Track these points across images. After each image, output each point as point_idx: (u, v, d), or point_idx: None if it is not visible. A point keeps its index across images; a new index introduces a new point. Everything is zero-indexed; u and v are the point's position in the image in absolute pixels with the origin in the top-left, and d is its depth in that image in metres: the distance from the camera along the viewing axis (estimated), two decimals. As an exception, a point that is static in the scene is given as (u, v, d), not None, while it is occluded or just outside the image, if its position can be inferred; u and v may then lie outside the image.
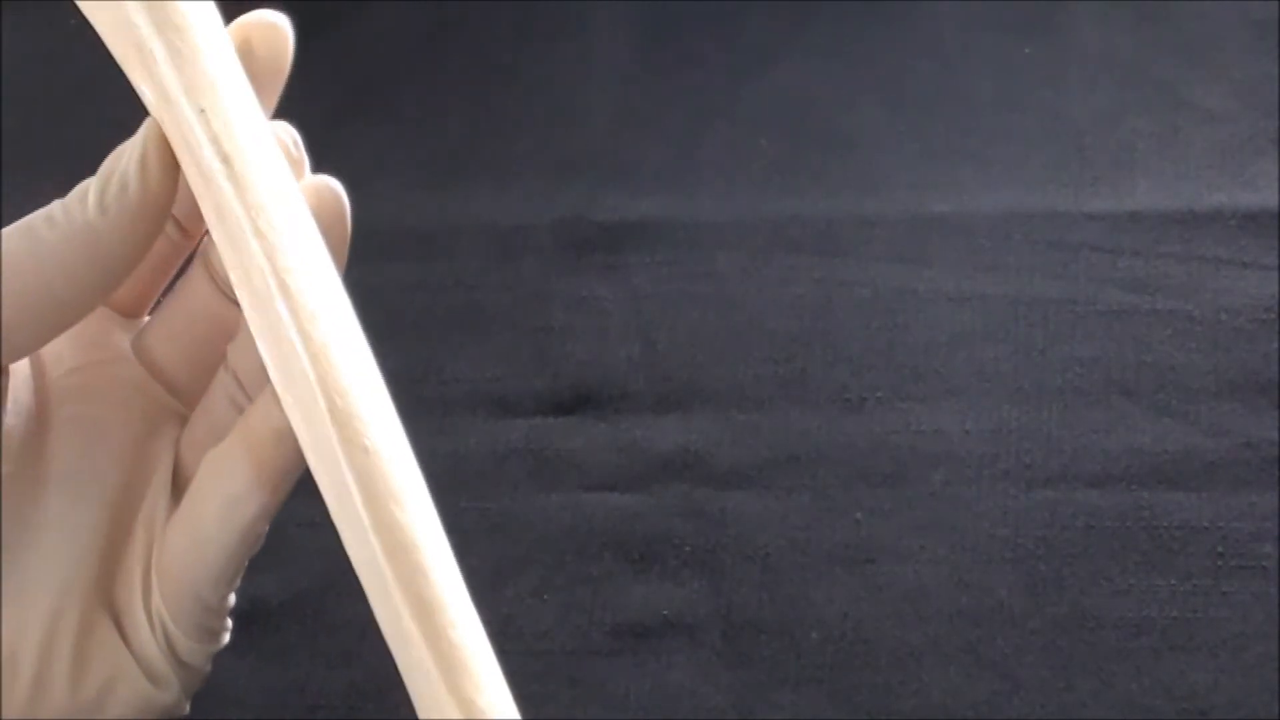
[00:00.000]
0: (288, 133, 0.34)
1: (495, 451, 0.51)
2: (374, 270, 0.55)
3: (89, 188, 0.32)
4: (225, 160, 0.32)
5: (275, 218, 0.32)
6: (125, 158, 0.32)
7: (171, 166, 0.32)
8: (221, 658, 0.48)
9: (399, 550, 0.30)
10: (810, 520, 0.49)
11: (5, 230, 0.32)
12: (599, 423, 0.52)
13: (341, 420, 0.30)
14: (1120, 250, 0.54)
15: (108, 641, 0.34)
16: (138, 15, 0.32)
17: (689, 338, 0.53)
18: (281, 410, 0.32)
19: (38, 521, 0.34)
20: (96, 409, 0.35)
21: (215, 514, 0.34)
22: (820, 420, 0.51)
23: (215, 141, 0.32)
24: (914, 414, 0.51)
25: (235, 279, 0.31)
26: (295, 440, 0.32)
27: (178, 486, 0.35)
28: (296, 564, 0.49)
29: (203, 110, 0.32)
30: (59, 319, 0.33)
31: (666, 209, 0.57)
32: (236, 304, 0.34)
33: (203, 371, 0.36)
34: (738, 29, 0.62)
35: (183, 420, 0.36)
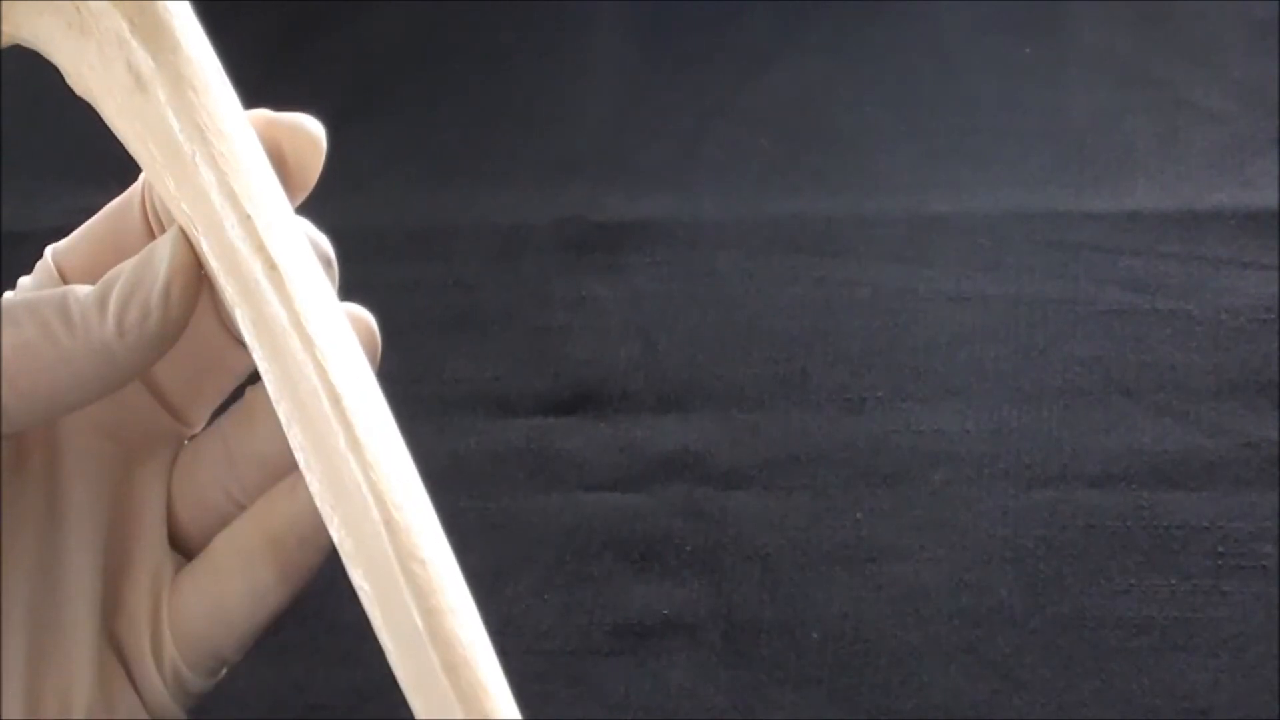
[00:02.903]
0: (323, 242, 0.34)
1: (495, 451, 0.51)
2: (374, 270, 0.55)
3: (109, 298, 0.31)
4: (271, 268, 0.31)
5: (322, 331, 0.31)
6: (148, 282, 0.31)
7: (194, 294, 0.32)
8: (221, 658, 0.48)
9: (458, 667, 0.30)
10: (810, 520, 0.49)
11: (14, 306, 0.32)
12: (599, 423, 0.52)
13: (398, 537, 0.30)
14: (1120, 250, 0.54)
15: (125, 693, 0.34)
16: (174, 120, 0.32)
17: (689, 338, 0.53)
18: (306, 514, 0.32)
19: (57, 573, 0.33)
20: (97, 434, 0.35)
21: (240, 600, 0.34)
22: (820, 420, 0.51)
23: (261, 250, 0.31)
24: (914, 414, 0.51)
25: (276, 386, 0.31)
26: (320, 542, 0.33)
27: (170, 526, 0.35)
28: (296, 564, 0.49)
29: (248, 217, 0.31)
30: (59, 410, 0.32)
31: (666, 209, 0.57)
32: (242, 345, 0.34)
33: (202, 397, 0.36)
34: (738, 29, 0.62)
35: (177, 441, 0.36)
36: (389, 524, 0.30)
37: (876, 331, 0.53)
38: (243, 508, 0.35)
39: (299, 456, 0.31)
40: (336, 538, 0.31)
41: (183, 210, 0.32)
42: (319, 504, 0.31)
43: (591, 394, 0.52)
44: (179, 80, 0.32)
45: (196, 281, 0.32)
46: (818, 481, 0.50)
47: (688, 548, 0.49)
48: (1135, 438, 0.49)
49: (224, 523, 0.35)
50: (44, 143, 0.61)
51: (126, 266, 0.32)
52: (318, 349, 0.31)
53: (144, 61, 0.32)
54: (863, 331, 0.53)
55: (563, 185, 0.58)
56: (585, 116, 0.60)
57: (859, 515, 0.49)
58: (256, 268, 0.31)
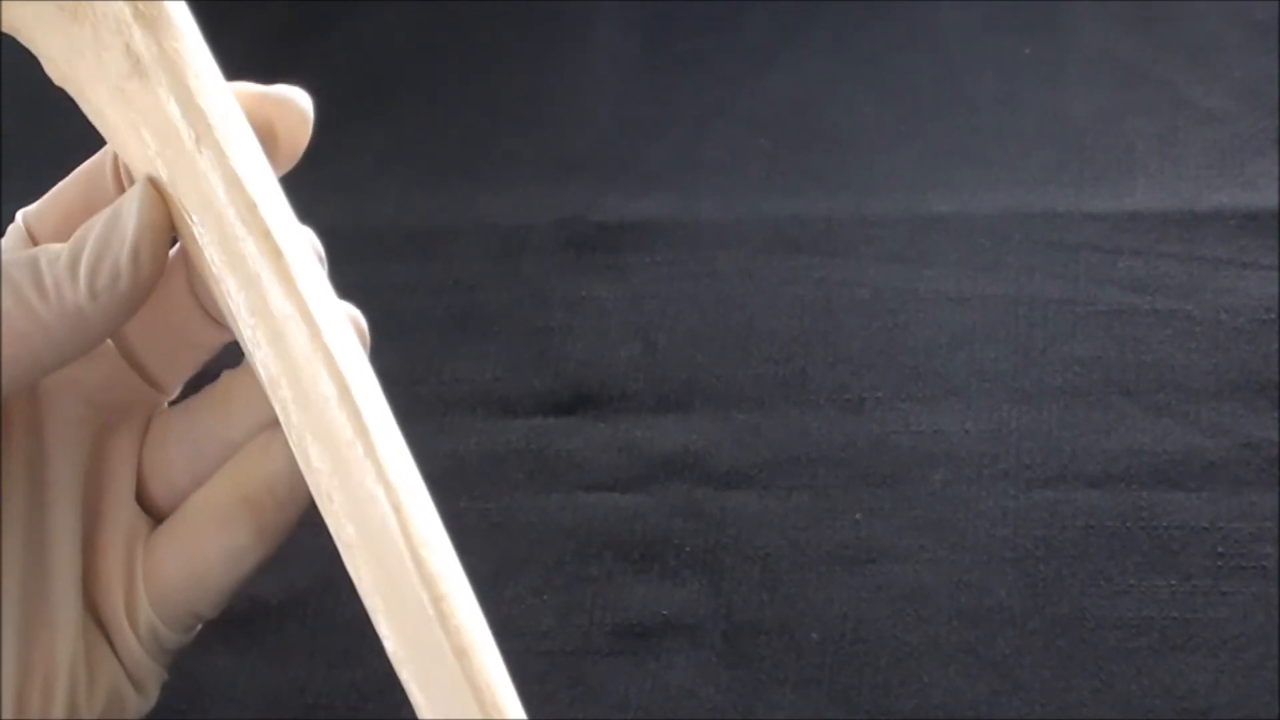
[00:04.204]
0: (312, 237, 0.34)
1: (495, 451, 0.51)
2: (374, 270, 0.55)
3: (80, 262, 0.31)
4: (277, 255, 0.31)
5: (327, 320, 0.31)
6: (117, 244, 0.31)
7: (163, 251, 0.32)
8: (221, 658, 0.48)
9: (468, 652, 0.30)
10: (810, 520, 0.49)
11: None
12: (599, 423, 0.52)
13: (406, 524, 0.30)
14: (1120, 250, 0.54)
15: (107, 658, 0.34)
16: (175, 106, 0.32)
17: (689, 338, 0.53)
18: (282, 474, 0.33)
19: (43, 540, 0.33)
20: (75, 399, 0.35)
21: (217, 560, 0.34)
22: (820, 420, 0.51)
23: (267, 237, 0.31)
24: (914, 414, 0.51)
25: (275, 373, 0.31)
26: (296, 501, 0.33)
27: (140, 491, 0.35)
28: (296, 564, 0.49)
29: (254, 204, 0.31)
30: (36, 375, 0.32)
31: (666, 209, 0.57)
32: (218, 323, 0.34)
33: (175, 367, 0.36)
34: (738, 29, 0.62)
35: (151, 407, 0.36)
36: (398, 510, 0.30)
37: (876, 331, 0.53)
38: None
39: (297, 445, 0.31)
40: (334, 524, 0.31)
41: (177, 198, 0.32)
42: (319, 496, 0.31)
43: (591, 394, 0.52)
44: (180, 66, 0.32)
45: (165, 238, 0.32)
46: (818, 481, 0.50)
47: (688, 548, 0.49)
48: (1135, 438, 0.49)
49: None
50: (44, 143, 0.61)
51: (95, 225, 0.32)
52: (324, 337, 0.31)
53: (145, 47, 0.32)
54: (863, 331, 0.53)
55: (563, 185, 0.58)
56: (585, 116, 0.60)
57: (859, 515, 0.49)
58: (261, 255, 0.31)
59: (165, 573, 0.34)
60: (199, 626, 0.35)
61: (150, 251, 0.32)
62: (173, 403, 0.36)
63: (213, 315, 0.35)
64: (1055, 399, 0.51)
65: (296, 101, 0.34)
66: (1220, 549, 0.47)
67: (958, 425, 0.50)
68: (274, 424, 0.33)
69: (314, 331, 0.31)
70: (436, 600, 0.30)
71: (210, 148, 0.32)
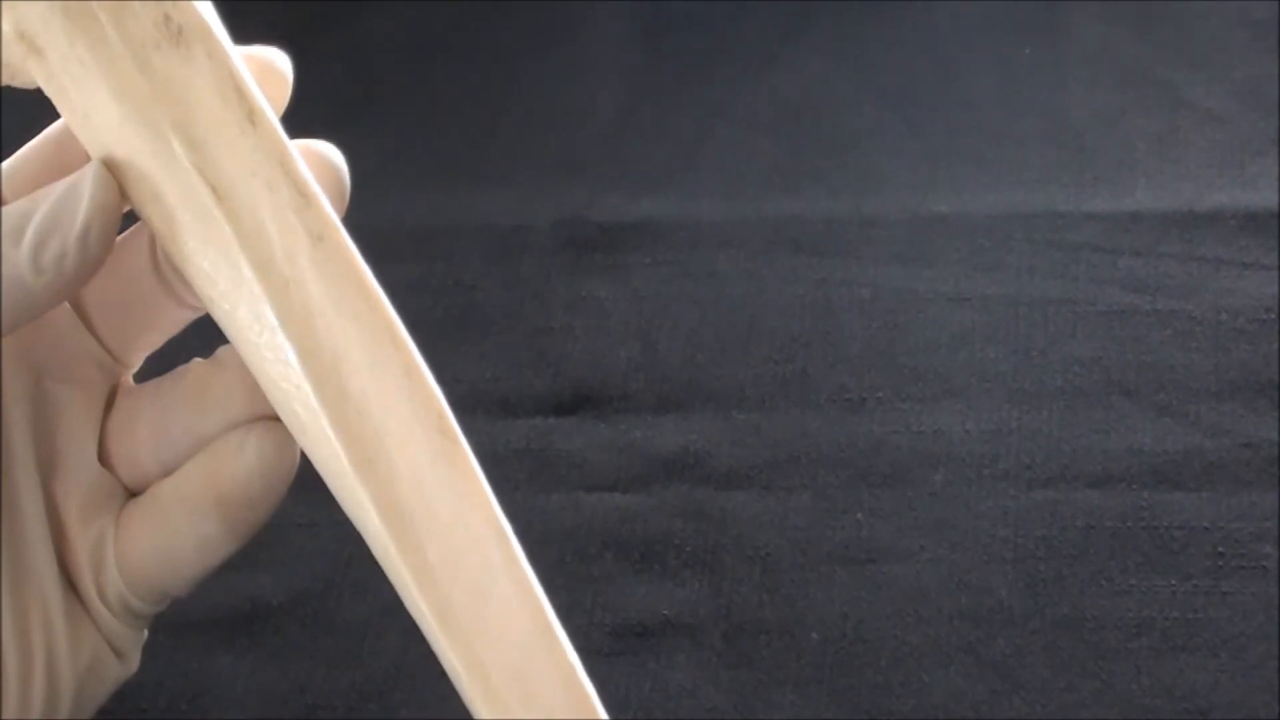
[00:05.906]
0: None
1: (495, 451, 0.51)
2: (374, 270, 0.55)
3: (26, 231, 0.31)
4: (334, 229, 0.32)
5: (386, 300, 0.32)
6: (67, 222, 0.31)
7: (112, 233, 0.31)
8: (221, 658, 0.48)
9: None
10: (810, 520, 0.49)
11: None
12: (599, 423, 0.52)
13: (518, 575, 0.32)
14: (1120, 250, 0.54)
15: (87, 629, 0.34)
16: (223, 77, 0.31)
17: (689, 338, 0.53)
18: (255, 475, 0.33)
19: (17, 517, 0.33)
20: (33, 367, 0.34)
21: (189, 549, 0.34)
22: (820, 420, 0.51)
23: (323, 213, 0.32)
24: (914, 414, 0.51)
25: (318, 369, 0.31)
26: (269, 502, 0.33)
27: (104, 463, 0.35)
28: (296, 564, 0.49)
29: (305, 180, 0.31)
30: None
31: (666, 209, 0.57)
32: (182, 306, 0.34)
33: (137, 345, 0.35)
34: (738, 29, 0.62)
35: (108, 376, 0.35)
36: (471, 496, 0.31)
37: (876, 331, 0.53)
38: None
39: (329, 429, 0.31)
40: (372, 500, 0.31)
41: (199, 181, 0.31)
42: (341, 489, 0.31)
43: (591, 394, 0.52)
44: (220, 41, 0.32)
45: (116, 221, 0.31)
46: (818, 481, 0.50)
47: (688, 548, 0.49)
48: (1135, 438, 0.49)
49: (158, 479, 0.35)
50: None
51: (46, 200, 0.31)
52: (387, 312, 0.32)
53: (186, 17, 0.31)
54: (863, 331, 0.53)
55: (563, 185, 0.58)
56: (586, 117, 0.60)
57: (859, 515, 0.49)
58: (317, 230, 0.31)
59: (136, 551, 0.34)
60: (168, 601, 0.35)
61: (100, 234, 0.31)
62: (139, 375, 0.36)
63: (185, 299, 0.34)
64: (1055, 399, 0.51)
65: (276, 63, 0.34)
66: (1220, 549, 0.47)
67: (958, 425, 0.50)
68: (248, 420, 0.33)
69: (374, 305, 0.32)
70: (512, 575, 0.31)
71: (262, 122, 0.31)
